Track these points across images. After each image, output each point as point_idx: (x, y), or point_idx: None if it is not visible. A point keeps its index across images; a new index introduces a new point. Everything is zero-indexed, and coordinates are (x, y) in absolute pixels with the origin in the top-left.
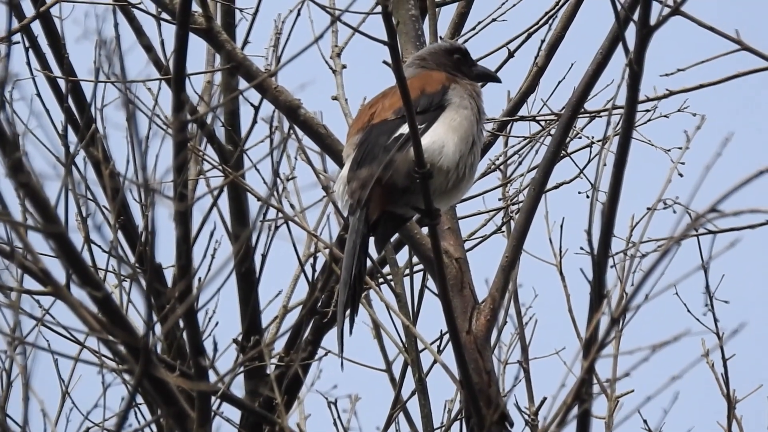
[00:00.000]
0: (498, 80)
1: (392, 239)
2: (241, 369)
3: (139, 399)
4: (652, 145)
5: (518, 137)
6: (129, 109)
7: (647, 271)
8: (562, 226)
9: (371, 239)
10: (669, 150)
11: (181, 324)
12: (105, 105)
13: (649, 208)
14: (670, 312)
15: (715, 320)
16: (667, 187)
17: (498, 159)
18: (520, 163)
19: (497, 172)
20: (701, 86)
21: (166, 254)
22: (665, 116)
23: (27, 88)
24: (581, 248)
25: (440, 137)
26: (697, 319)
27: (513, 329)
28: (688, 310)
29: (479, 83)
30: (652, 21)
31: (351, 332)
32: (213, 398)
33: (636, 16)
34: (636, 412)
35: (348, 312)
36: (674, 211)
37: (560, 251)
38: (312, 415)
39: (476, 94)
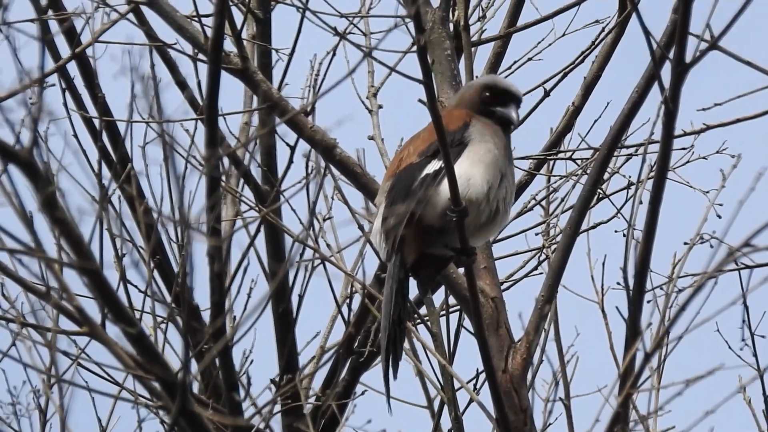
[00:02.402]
0: (513, 122)
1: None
2: (278, 407)
3: None
4: (691, 186)
5: (555, 176)
6: (166, 149)
7: (681, 306)
8: (603, 264)
9: (415, 282)
10: (708, 192)
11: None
12: (141, 146)
13: (686, 243)
14: (710, 347)
15: (755, 354)
16: (703, 225)
17: (538, 194)
18: (562, 201)
19: (537, 209)
20: (738, 120)
21: (203, 296)
22: (704, 158)
23: (64, 127)
24: (618, 283)
25: (465, 170)
26: (737, 355)
27: (550, 367)
28: (729, 346)
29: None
30: (689, 57)
31: (396, 377)
32: None
33: (671, 54)
34: None
35: (391, 357)
36: (711, 246)
37: (602, 288)
38: None
39: (498, 132)
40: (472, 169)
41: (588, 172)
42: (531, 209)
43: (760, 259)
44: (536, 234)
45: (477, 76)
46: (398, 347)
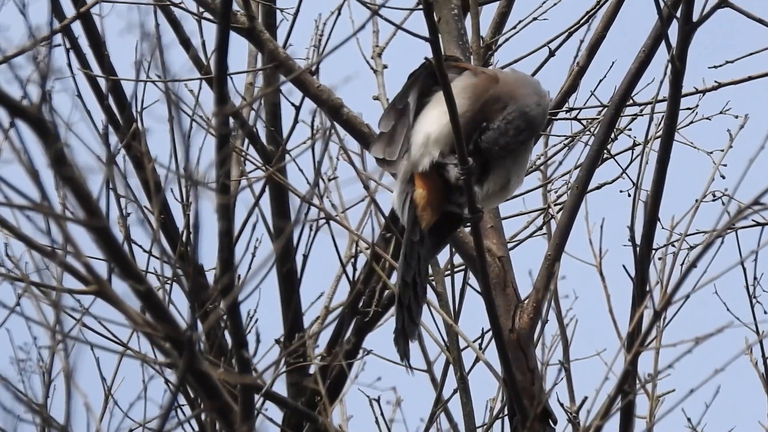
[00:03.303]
0: None
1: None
2: (284, 367)
3: (181, 400)
4: (695, 147)
5: (559, 136)
6: (171, 108)
7: (691, 263)
8: (602, 227)
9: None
10: (711, 152)
11: (223, 320)
12: (145, 107)
13: (697, 200)
14: (711, 308)
15: (754, 317)
16: (710, 185)
17: (539, 159)
18: (560, 163)
19: (537, 173)
20: (749, 78)
21: (207, 258)
22: (707, 118)
23: (69, 87)
24: (628, 239)
25: (422, 124)
26: (736, 317)
27: (554, 329)
28: (727, 309)
29: None
30: (696, 15)
31: (413, 339)
32: (256, 396)
33: (679, 13)
34: (677, 409)
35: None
36: (723, 203)
37: (600, 251)
38: (354, 417)
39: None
40: (426, 124)
41: (594, 132)
42: (537, 169)
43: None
44: (549, 190)
45: (482, 37)
46: (413, 313)
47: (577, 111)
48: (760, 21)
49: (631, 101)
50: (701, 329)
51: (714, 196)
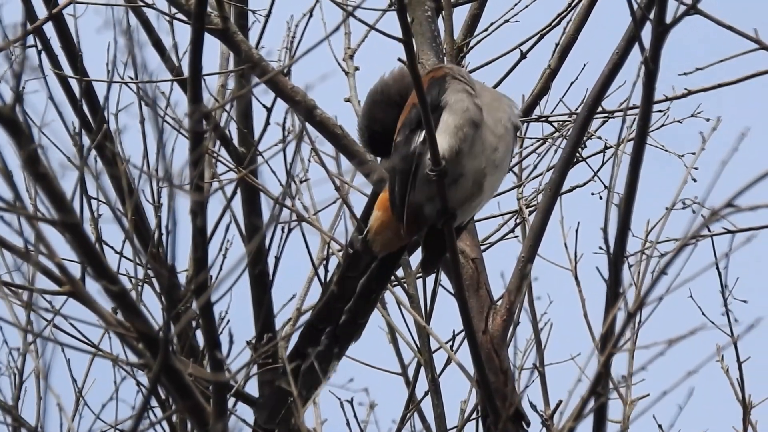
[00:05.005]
0: None
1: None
2: (256, 368)
3: (152, 402)
4: (666, 150)
5: (531, 138)
6: (142, 108)
7: (664, 266)
8: (577, 231)
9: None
10: (683, 156)
11: (195, 321)
12: (121, 110)
13: (667, 208)
14: (685, 314)
15: (729, 321)
16: (682, 189)
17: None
18: (535, 166)
19: (510, 174)
20: (719, 86)
21: (178, 259)
22: (678, 121)
23: (41, 92)
24: (600, 247)
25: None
26: (712, 321)
27: (529, 333)
28: (703, 313)
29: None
30: (669, 19)
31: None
32: (228, 395)
33: (652, 15)
34: (650, 412)
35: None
36: (693, 211)
37: (575, 255)
38: (326, 419)
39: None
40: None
41: (566, 135)
42: (510, 170)
43: (741, 222)
44: (518, 198)
45: (455, 39)
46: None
47: (550, 113)
48: (730, 28)
49: (600, 108)
50: (674, 333)
51: (684, 204)
